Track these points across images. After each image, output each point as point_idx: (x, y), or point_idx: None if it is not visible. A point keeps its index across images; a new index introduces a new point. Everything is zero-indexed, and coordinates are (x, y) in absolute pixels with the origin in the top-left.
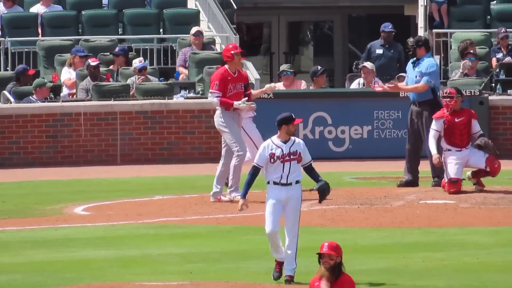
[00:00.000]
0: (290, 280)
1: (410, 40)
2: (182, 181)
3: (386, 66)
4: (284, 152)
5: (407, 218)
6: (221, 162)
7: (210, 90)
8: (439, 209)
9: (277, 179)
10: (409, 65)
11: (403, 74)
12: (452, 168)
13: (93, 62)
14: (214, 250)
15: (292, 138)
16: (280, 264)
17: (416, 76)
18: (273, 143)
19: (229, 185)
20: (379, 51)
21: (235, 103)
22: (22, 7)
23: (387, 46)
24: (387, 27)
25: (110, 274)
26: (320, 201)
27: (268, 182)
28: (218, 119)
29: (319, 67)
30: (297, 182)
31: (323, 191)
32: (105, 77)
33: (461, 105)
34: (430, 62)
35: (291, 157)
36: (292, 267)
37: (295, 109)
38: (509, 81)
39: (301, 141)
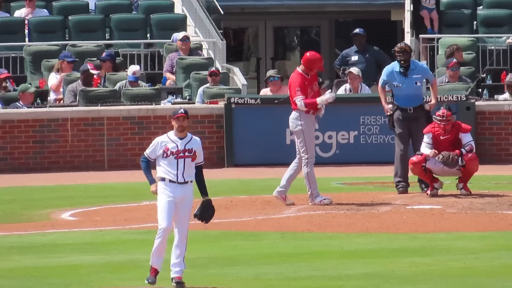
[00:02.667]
0: (180, 282)
1: (405, 46)
2: None
3: (365, 71)
4: (179, 148)
5: (394, 224)
6: (294, 162)
7: (294, 98)
8: (425, 215)
9: (174, 178)
10: (396, 74)
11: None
12: (424, 149)
13: (92, 70)
14: (201, 256)
15: (189, 135)
16: (155, 272)
17: (416, 83)
18: (169, 138)
19: (310, 192)
20: (355, 57)
21: (318, 100)
22: (9, 13)
23: (362, 51)
24: (354, 31)
25: (97, 279)
26: (203, 222)
27: (163, 179)
28: (296, 121)
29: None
30: (191, 181)
31: (205, 211)
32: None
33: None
34: (424, 65)
35: (186, 154)
36: (181, 268)
37: (283, 114)
38: (496, 86)
39: (198, 140)
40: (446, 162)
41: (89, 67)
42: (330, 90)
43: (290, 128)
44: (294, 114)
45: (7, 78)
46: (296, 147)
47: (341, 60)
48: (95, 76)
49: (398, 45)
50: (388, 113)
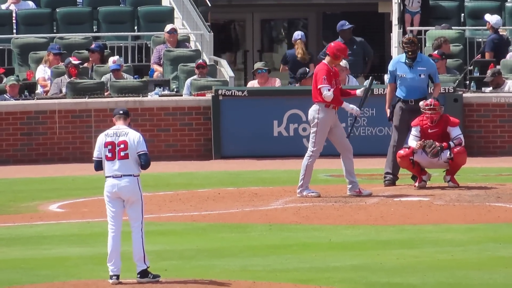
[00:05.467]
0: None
1: (412, 37)
2: (156, 178)
3: (353, 63)
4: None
5: (382, 216)
6: (342, 158)
7: (320, 85)
8: (413, 207)
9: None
10: (401, 64)
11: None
12: (411, 142)
13: (74, 60)
14: (189, 248)
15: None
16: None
17: (420, 75)
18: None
19: (301, 183)
20: None
21: (345, 104)
22: None
23: (349, 43)
24: (344, 25)
25: (85, 271)
26: None
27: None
28: (314, 113)
29: (307, 69)
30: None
31: None
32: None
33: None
34: (431, 60)
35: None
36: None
37: (270, 106)
38: (483, 78)
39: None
40: (426, 150)
41: (71, 59)
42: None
43: (309, 119)
44: (314, 106)
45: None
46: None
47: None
48: (74, 66)
49: (406, 36)
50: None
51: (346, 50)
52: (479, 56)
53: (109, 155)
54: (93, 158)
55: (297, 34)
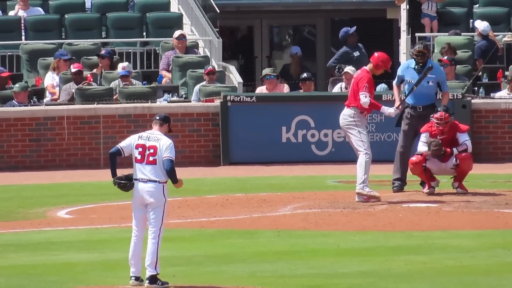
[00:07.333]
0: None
1: (423, 49)
2: None
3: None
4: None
5: (390, 222)
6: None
7: (361, 92)
8: (422, 213)
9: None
10: (410, 70)
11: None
12: (421, 148)
13: (74, 68)
14: (198, 254)
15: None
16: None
17: (428, 82)
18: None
19: (362, 181)
20: (356, 53)
21: (384, 108)
22: (4, 11)
23: (356, 48)
24: (349, 30)
25: (93, 277)
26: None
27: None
28: (348, 118)
29: (305, 74)
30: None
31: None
32: (86, 79)
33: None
34: (440, 68)
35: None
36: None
37: (278, 112)
38: (492, 84)
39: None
40: (430, 148)
41: (71, 67)
42: (395, 108)
43: (341, 124)
44: (348, 111)
45: (8, 77)
46: (352, 144)
47: (342, 57)
48: (88, 74)
49: (416, 47)
50: (396, 106)
51: (389, 62)
52: (480, 66)
53: (139, 157)
54: (118, 145)
55: (294, 49)
